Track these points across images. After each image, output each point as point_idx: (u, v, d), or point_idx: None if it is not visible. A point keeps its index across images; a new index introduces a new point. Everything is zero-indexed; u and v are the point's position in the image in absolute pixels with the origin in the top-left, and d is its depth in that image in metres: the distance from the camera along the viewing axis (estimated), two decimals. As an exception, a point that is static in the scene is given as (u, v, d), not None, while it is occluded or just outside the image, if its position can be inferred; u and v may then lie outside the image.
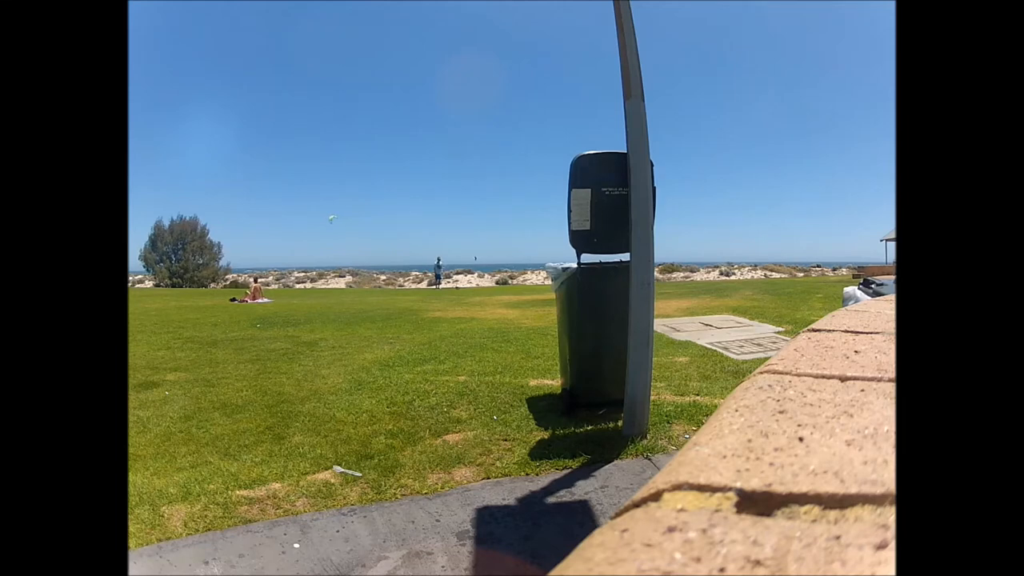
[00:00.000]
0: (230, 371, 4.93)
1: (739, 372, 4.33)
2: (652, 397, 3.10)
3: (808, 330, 0.89)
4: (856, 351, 0.71)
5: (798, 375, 0.62)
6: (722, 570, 0.27)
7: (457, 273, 30.86)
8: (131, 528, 2.09)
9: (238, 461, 2.76)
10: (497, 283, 27.47)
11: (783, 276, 25.93)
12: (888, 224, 25.26)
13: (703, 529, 0.31)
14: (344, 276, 31.82)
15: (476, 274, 31.14)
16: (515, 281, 27.90)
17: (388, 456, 2.78)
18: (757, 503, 0.34)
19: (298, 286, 29.09)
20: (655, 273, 3.07)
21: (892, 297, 1.24)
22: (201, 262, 31.44)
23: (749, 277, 26.75)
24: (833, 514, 0.32)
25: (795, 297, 10.21)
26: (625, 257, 3.08)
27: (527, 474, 2.55)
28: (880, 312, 1.03)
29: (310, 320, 8.79)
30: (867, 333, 0.82)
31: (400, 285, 27.86)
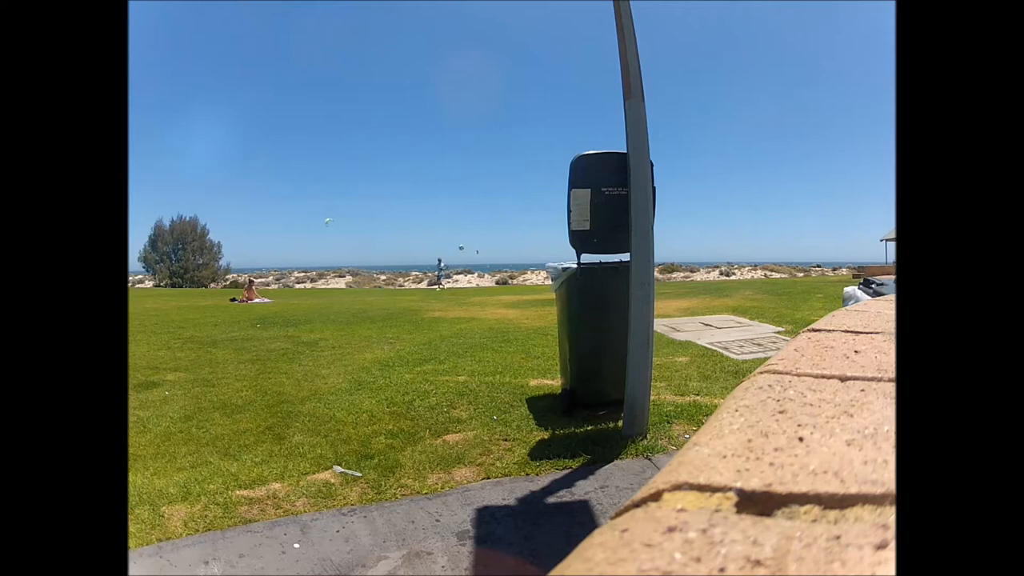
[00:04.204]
0: (230, 371, 4.93)
1: (739, 372, 4.33)
2: (652, 397, 3.10)
3: (808, 330, 0.89)
4: (856, 351, 0.71)
5: (798, 375, 0.62)
6: (722, 570, 0.27)
7: (457, 273, 30.84)
8: (131, 528, 2.09)
9: (238, 461, 2.76)
10: (497, 283, 27.45)
11: (783, 276, 25.91)
12: (888, 224, 25.29)
13: (703, 529, 0.31)
14: (344, 276, 31.79)
15: (476, 274, 31.12)
16: (515, 281, 27.88)
17: (388, 456, 2.78)
18: (757, 503, 0.34)
19: (298, 286, 29.08)
20: (655, 273, 3.07)
21: (892, 297, 1.24)
22: (201, 262, 31.44)
23: (749, 277, 26.74)
24: (833, 514, 0.32)
25: (795, 297, 10.20)
26: (625, 257, 3.07)
27: (527, 474, 2.55)
28: (880, 312, 1.03)
29: (310, 320, 8.79)
30: (867, 333, 0.82)
31: (400, 285, 27.84)
